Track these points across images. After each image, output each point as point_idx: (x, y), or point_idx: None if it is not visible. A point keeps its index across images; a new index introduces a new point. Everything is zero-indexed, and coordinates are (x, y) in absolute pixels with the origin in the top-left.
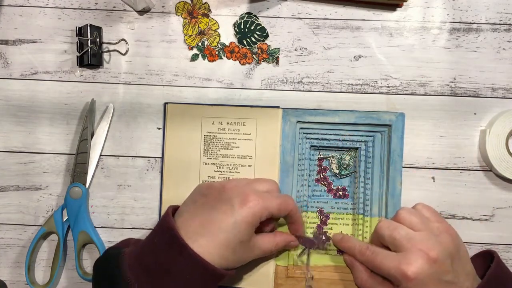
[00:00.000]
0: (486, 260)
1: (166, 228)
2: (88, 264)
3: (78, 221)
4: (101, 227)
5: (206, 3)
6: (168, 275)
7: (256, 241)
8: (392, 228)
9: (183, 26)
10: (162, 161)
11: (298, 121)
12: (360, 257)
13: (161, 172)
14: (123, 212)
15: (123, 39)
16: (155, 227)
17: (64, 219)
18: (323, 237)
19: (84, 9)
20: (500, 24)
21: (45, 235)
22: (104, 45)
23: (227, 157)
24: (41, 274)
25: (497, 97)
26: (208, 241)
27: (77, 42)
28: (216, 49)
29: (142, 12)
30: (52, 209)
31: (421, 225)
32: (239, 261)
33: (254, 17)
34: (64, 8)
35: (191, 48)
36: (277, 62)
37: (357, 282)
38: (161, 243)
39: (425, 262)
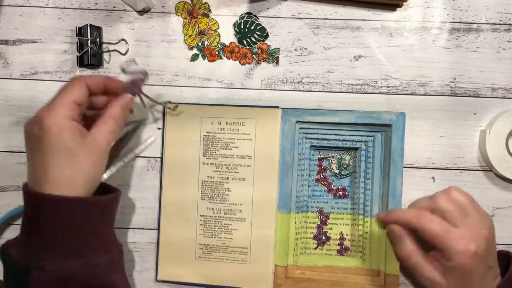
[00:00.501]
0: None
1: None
2: None
3: None
4: None
5: (206, 3)
6: (52, 232)
7: (91, 139)
8: (452, 202)
9: (183, 26)
10: (161, 161)
11: (297, 121)
12: (416, 222)
13: (161, 172)
14: (123, 212)
15: (123, 39)
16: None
17: None
18: (139, 75)
19: (84, 9)
20: (500, 24)
21: None
22: (104, 45)
23: (227, 157)
24: None
25: (497, 97)
26: (54, 176)
27: (77, 42)
28: (216, 49)
29: (142, 12)
30: None
31: (470, 205)
32: (95, 170)
33: (254, 17)
34: (64, 8)
35: (191, 48)
36: (277, 62)
37: (401, 254)
38: (24, 209)
39: (485, 241)
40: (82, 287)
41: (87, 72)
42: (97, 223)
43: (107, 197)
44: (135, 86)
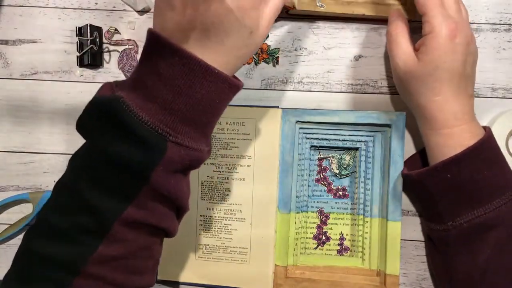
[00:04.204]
0: None
1: (173, 51)
2: None
3: None
4: None
5: None
6: (197, 106)
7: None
8: None
9: None
10: None
11: (297, 121)
12: None
13: None
14: None
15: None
16: (146, 54)
17: None
18: None
19: (84, 9)
20: (500, 24)
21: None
22: (104, 45)
23: (226, 157)
24: None
25: (497, 97)
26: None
27: (77, 42)
28: None
29: (142, 12)
30: None
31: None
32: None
33: None
34: (64, 8)
35: None
36: (277, 62)
37: (389, 29)
38: (174, 73)
39: (470, 42)
40: (191, 171)
41: (87, 72)
42: (223, 108)
43: (240, 82)
44: None
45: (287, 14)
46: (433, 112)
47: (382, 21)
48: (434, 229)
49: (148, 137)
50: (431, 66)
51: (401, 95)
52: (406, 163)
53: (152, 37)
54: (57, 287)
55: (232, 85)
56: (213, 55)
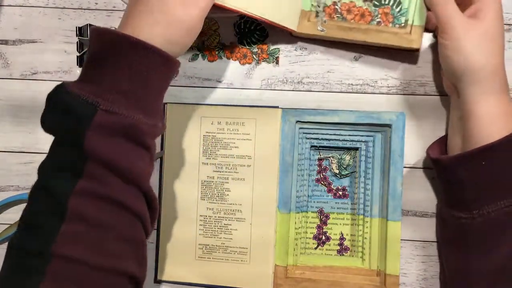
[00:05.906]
0: None
1: (100, 33)
2: None
3: None
4: None
5: None
6: (122, 75)
7: None
8: None
9: None
10: (161, 161)
11: (297, 121)
12: None
13: (161, 172)
14: None
15: None
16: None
17: None
18: None
19: (84, 9)
20: None
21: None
22: None
23: (226, 157)
24: None
25: None
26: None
27: (77, 42)
28: (216, 49)
29: None
30: None
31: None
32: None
33: None
34: (64, 8)
35: (191, 48)
36: (277, 62)
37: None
38: (101, 51)
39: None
40: (135, 141)
41: None
42: (166, 86)
43: (177, 60)
44: None
45: (291, 36)
46: (494, 71)
47: (383, 48)
48: (457, 216)
49: (79, 106)
50: (494, 21)
51: (453, 67)
52: (433, 145)
53: (91, 30)
54: (36, 275)
55: (157, 53)
56: (144, 28)
